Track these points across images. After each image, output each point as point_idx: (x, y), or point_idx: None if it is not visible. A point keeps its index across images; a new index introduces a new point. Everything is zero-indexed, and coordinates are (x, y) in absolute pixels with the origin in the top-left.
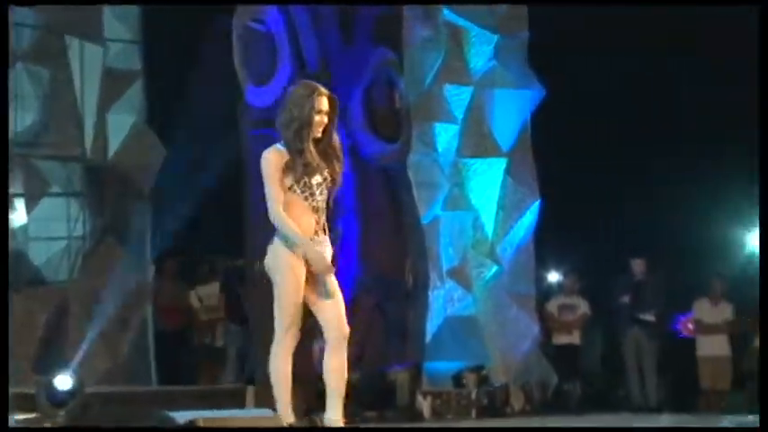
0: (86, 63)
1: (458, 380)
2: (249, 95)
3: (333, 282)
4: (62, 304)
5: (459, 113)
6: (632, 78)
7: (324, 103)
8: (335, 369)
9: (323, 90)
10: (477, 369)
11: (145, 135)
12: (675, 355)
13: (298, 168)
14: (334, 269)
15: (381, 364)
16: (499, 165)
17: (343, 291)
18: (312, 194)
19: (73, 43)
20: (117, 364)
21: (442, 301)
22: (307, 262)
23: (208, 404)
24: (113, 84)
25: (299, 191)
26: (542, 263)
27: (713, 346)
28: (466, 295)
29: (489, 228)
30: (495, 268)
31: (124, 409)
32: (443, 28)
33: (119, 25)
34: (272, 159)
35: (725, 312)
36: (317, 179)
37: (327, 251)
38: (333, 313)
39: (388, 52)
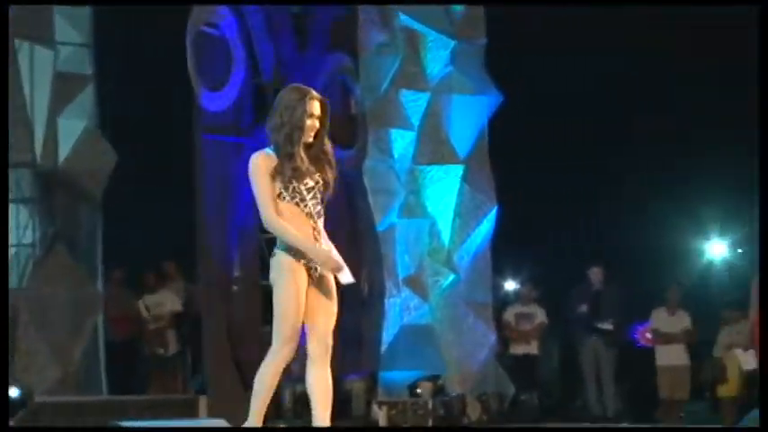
0: (36, 67)
1: (414, 389)
2: (203, 100)
3: (333, 293)
4: (11, 312)
5: (415, 120)
6: (591, 83)
7: (316, 107)
8: (320, 382)
9: (315, 94)
10: (434, 378)
11: (96, 140)
12: (633, 364)
13: (286, 173)
14: (344, 266)
15: (336, 374)
16: (456, 171)
17: None
18: (303, 200)
19: (23, 46)
20: (67, 374)
21: (398, 310)
22: (309, 270)
23: (160, 414)
24: (64, 88)
25: (288, 197)
26: (499, 271)
27: (671, 356)
28: (422, 304)
29: (446, 235)
30: (451, 276)
31: (75, 419)
32: (400, 33)
33: (70, 28)
34: (261, 164)
35: (683, 321)
36: (307, 183)
37: (333, 253)
38: (324, 325)
39: (344, 57)
